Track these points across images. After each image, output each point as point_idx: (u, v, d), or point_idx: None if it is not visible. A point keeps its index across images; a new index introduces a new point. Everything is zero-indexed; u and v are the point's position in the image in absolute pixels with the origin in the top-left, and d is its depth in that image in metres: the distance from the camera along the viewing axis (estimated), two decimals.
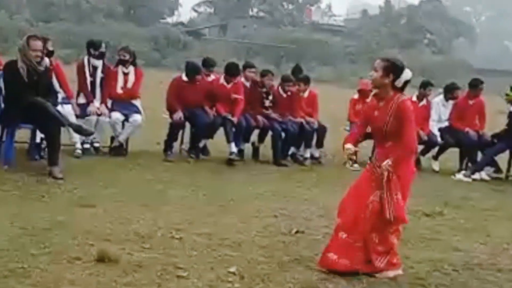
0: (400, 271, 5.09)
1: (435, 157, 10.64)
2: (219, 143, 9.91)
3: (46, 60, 7.94)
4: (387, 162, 4.83)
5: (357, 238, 4.96)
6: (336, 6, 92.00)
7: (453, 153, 10.81)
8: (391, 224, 4.95)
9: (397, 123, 4.84)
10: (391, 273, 5.04)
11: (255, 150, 10.17)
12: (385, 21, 52.74)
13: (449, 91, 10.60)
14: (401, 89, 4.96)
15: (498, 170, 10.31)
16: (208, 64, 10.05)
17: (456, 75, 34.31)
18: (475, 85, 10.55)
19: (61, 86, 8.71)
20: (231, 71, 9.79)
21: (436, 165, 10.59)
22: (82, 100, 9.00)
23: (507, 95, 10.23)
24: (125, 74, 9.28)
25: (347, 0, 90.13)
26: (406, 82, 4.97)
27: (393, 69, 4.92)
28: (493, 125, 10.83)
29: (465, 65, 46.75)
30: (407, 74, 4.95)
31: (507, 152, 10.24)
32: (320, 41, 46.47)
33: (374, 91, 5.05)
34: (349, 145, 5.15)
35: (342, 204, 5.11)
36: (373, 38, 49.53)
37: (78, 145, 8.74)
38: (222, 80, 9.75)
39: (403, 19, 55.48)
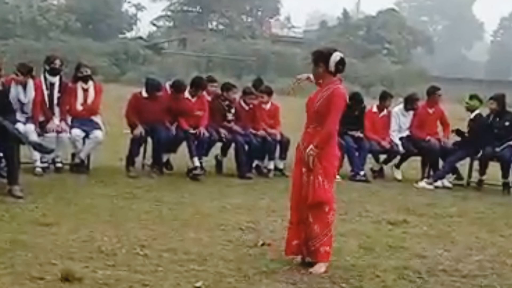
0: (327, 263, 5.30)
1: (397, 166, 10.74)
2: (182, 157, 9.85)
3: (2, 78, 7.84)
4: (310, 148, 5.14)
5: (300, 218, 5.33)
6: (295, 18, 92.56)
7: (415, 161, 10.93)
8: (317, 206, 5.22)
9: (325, 106, 5.16)
10: (322, 267, 5.25)
11: (219, 164, 10.14)
12: (343, 32, 53.21)
13: (409, 102, 10.72)
14: (337, 72, 5.24)
15: (459, 177, 10.44)
16: (178, 88, 9.70)
17: (415, 83, 34.77)
18: (432, 92, 10.73)
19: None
20: (198, 85, 9.75)
21: (398, 174, 10.68)
22: (40, 118, 8.86)
23: (466, 103, 10.37)
24: (85, 90, 9.16)
25: (306, 12, 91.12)
26: (339, 64, 5.22)
27: (321, 57, 5.23)
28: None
29: (423, 73, 47.34)
30: (335, 57, 5.19)
31: (468, 159, 10.38)
32: (280, 52, 46.67)
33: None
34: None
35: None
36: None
37: (38, 163, 8.59)
38: (187, 94, 9.71)
39: (362, 30, 56.09)
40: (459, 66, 72.63)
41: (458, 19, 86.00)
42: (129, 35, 55.82)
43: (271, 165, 10.07)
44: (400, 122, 10.66)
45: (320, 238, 5.25)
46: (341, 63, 5.24)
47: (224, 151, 10.13)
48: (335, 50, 5.28)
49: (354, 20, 59.05)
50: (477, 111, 10.29)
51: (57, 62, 9.02)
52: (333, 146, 5.32)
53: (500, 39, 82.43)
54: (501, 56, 76.18)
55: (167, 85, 9.86)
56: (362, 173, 10.15)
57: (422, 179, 10.28)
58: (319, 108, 5.20)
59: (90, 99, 9.17)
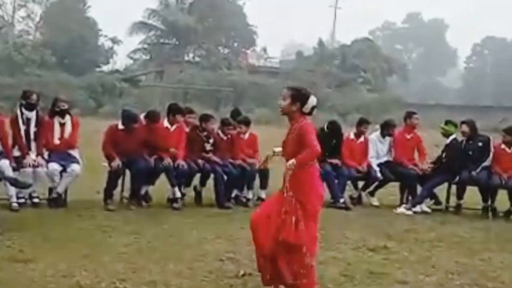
0: None
1: (371, 193, 10.80)
2: (161, 188, 9.80)
3: None
4: (291, 162, 5.11)
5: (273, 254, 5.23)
6: (271, 49, 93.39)
7: (394, 187, 10.98)
8: (291, 248, 5.13)
9: (297, 143, 5.18)
10: None
11: (198, 194, 10.11)
12: (319, 61, 53.51)
13: (386, 128, 10.83)
14: (309, 114, 5.29)
15: (437, 202, 10.50)
16: (153, 117, 9.78)
17: (391, 111, 35.06)
18: (409, 117, 10.84)
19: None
20: (175, 111, 9.77)
21: (374, 201, 10.72)
22: (16, 152, 8.79)
23: (442, 128, 10.48)
24: (62, 125, 9.12)
25: (282, 42, 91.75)
26: (313, 108, 5.30)
27: (300, 97, 5.26)
28: (430, 158, 11.04)
29: (399, 101, 47.71)
30: (312, 100, 5.27)
31: (446, 184, 10.45)
32: (257, 83, 46.84)
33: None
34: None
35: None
36: (309, 78, 50.17)
37: (14, 198, 8.49)
38: (166, 123, 9.70)
39: (337, 59, 56.50)
40: (433, 93, 73.46)
41: (432, 47, 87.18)
42: (105, 68, 55.75)
43: (250, 195, 10.07)
44: (377, 149, 10.74)
45: (298, 276, 5.17)
46: (315, 107, 5.33)
47: (203, 181, 10.11)
48: (310, 94, 5.31)
49: (330, 50, 59.52)
50: (452, 136, 10.40)
51: (34, 97, 8.97)
52: (317, 186, 5.31)
53: (473, 65, 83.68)
54: (474, 82, 77.28)
55: (142, 116, 9.85)
56: (341, 200, 10.17)
57: (400, 205, 10.32)
58: (291, 147, 5.24)
59: (67, 133, 9.12)
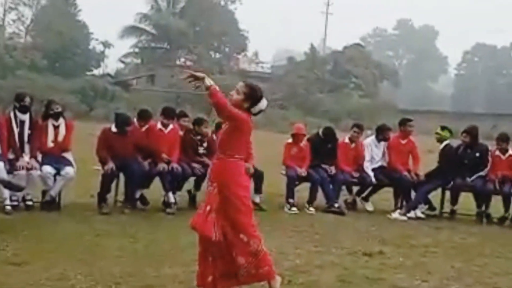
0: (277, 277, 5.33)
1: (365, 199, 10.80)
2: (155, 191, 9.76)
3: None
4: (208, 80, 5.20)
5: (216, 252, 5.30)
6: (263, 54, 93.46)
7: (388, 192, 10.97)
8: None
9: (227, 133, 5.25)
10: (277, 282, 5.33)
11: (192, 198, 10.06)
12: (311, 67, 53.64)
13: (381, 132, 10.83)
14: (254, 115, 5.30)
15: (432, 207, 10.50)
16: (144, 116, 9.84)
17: (383, 116, 35.14)
18: (404, 124, 10.85)
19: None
20: (169, 113, 9.78)
21: (368, 206, 10.73)
22: (10, 155, 8.72)
23: (437, 133, 10.49)
24: (56, 127, 9.06)
25: (273, 47, 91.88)
26: (260, 111, 5.30)
27: (254, 96, 5.25)
28: (423, 164, 11.05)
29: (390, 106, 47.97)
30: (263, 104, 5.27)
31: (440, 189, 10.46)
32: None
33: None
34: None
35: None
36: (301, 84, 50.33)
37: (8, 201, 8.42)
38: (159, 125, 9.68)
39: (329, 65, 56.67)
40: (425, 99, 73.82)
41: (423, 53, 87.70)
42: (96, 72, 55.75)
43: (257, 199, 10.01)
44: (372, 153, 10.74)
45: (249, 267, 5.20)
46: (262, 111, 5.33)
47: (197, 185, 10.06)
48: (263, 97, 5.30)
49: (321, 55, 59.68)
50: (446, 142, 10.42)
51: (27, 99, 8.91)
52: (241, 179, 5.33)
53: (464, 72, 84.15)
54: (465, 88, 77.70)
55: (135, 119, 9.80)
56: (336, 205, 10.16)
57: (395, 210, 10.32)
58: (222, 136, 5.32)
59: (61, 136, 9.06)
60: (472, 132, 10.38)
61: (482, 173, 10.12)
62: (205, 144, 9.99)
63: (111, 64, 60.32)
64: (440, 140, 10.45)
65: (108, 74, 53.20)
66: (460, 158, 10.28)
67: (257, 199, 10.04)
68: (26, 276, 5.60)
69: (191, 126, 10.10)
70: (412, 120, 11.00)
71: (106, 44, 56.71)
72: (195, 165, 9.72)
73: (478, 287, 6.21)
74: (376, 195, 10.97)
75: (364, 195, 10.83)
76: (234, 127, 5.21)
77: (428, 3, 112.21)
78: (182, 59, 58.47)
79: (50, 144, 9.00)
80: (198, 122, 10.12)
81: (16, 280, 5.46)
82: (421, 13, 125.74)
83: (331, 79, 53.38)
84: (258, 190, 10.10)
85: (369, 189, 10.81)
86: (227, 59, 60.37)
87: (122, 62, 59.97)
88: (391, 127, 11.15)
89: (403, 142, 10.79)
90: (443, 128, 10.49)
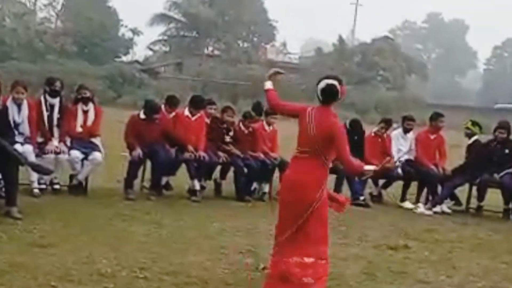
0: None
1: (402, 198, 10.59)
2: (181, 178, 9.80)
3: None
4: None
5: None
6: (291, 44, 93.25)
7: (412, 186, 10.81)
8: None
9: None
10: None
11: (218, 186, 10.09)
12: (339, 58, 53.35)
13: (405, 122, 10.74)
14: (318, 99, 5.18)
15: (458, 203, 10.41)
16: (172, 102, 9.86)
17: (409, 110, 34.81)
18: (435, 119, 10.74)
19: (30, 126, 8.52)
20: (197, 103, 9.77)
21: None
22: (39, 139, 8.80)
23: (467, 128, 10.37)
24: (85, 112, 9.12)
25: (301, 38, 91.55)
26: (322, 91, 5.16)
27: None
28: (449, 159, 10.95)
29: (418, 100, 47.59)
30: (320, 84, 5.17)
31: (467, 185, 10.37)
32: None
33: None
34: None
35: None
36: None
37: (36, 184, 8.51)
38: (186, 112, 9.70)
39: (357, 57, 56.34)
40: (452, 93, 73.05)
41: (452, 48, 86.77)
42: (125, 58, 55.95)
43: (266, 188, 10.01)
44: (399, 145, 10.65)
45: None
46: (324, 91, 5.21)
47: (223, 174, 10.09)
48: (324, 79, 5.28)
49: (349, 47, 59.31)
50: (475, 137, 10.32)
51: (57, 84, 8.97)
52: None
53: (493, 68, 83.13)
54: (493, 84, 76.74)
55: (163, 106, 9.82)
56: (362, 197, 10.12)
57: (416, 202, 10.26)
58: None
59: (90, 121, 9.11)
60: (508, 128, 10.23)
61: (510, 170, 9.99)
62: (231, 133, 9.99)
63: (140, 52, 60.45)
64: (468, 135, 10.34)
65: (137, 61, 53.38)
66: (489, 154, 10.16)
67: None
68: (52, 259, 5.66)
69: (218, 115, 10.11)
70: (443, 115, 10.85)
71: (135, 31, 56.90)
72: (221, 153, 9.74)
73: (505, 284, 6.16)
74: (393, 189, 10.88)
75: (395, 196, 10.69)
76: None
77: None
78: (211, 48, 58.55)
79: (79, 128, 9.06)
80: (223, 110, 10.14)
81: (43, 262, 5.52)
82: (452, 7, 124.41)
83: (359, 71, 53.02)
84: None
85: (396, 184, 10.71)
86: (255, 49, 60.21)
87: (151, 49, 60.12)
88: (414, 118, 11.04)
89: (432, 137, 10.68)
90: (474, 123, 10.38)
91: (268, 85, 5.52)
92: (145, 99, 10.58)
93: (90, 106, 9.21)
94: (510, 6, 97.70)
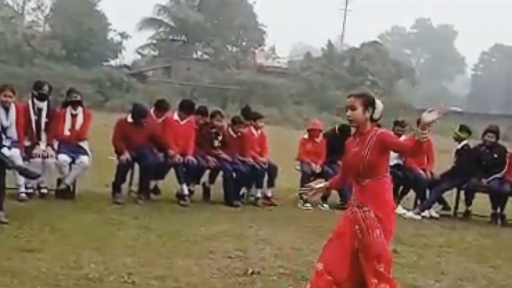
0: None
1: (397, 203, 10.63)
2: (169, 182, 9.76)
3: None
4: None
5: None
6: (280, 49, 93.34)
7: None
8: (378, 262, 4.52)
9: (377, 155, 4.60)
10: None
11: (206, 191, 10.07)
12: (328, 63, 53.43)
13: (395, 127, 10.68)
14: (377, 121, 4.73)
15: (446, 207, 10.44)
16: (161, 107, 9.78)
17: (398, 115, 34.96)
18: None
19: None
20: (187, 108, 9.76)
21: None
22: (26, 142, 8.75)
23: (455, 133, 10.40)
24: (74, 116, 9.08)
25: (290, 43, 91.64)
26: (381, 113, 4.75)
27: (370, 102, 4.66)
28: (437, 164, 10.96)
29: (406, 105, 47.72)
30: (379, 105, 4.70)
31: (455, 190, 10.40)
32: (264, 83, 46.70)
33: (354, 128, 4.77)
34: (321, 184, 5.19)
35: (327, 252, 4.78)
36: (317, 80, 50.17)
37: (23, 189, 8.46)
38: (176, 117, 9.67)
39: (346, 61, 56.42)
40: (440, 99, 73.10)
41: (440, 53, 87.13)
42: (113, 62, 55.79)
43: (259, 193, 10.01)
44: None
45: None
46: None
47: (211, 178, 10.07)
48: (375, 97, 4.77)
49: (338, 52, 59.44)
50: (464, 142, 10.35)
51: (45, 87, 8.95)
52: (392, 200, 4.78)
53: (481, 73, 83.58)
54: (481, 89, 77.17)
55: (152, 111, 9.78)
56: None
57: (397, 206, 10.25)
58: (369, 161, 4.58)
59: (78, 125, 9.07)
60: (497, 132, 10.27)
61: (498, 175, 10.03)
62: (220, 138, 9.98)
63: (128, 56, 60.24)
64: (457, 140, 10.37)
65: (125, 65, 53.27)
66: (479, 158, 10.20)
67: (269, 193, 10.05)
68: (39, 264, 5.62)
69: (207, 120, 10.08)
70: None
71: (124, 35, 56.77)
72: (209, 158, 9.71)
73: None
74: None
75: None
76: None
77: (448, 3, 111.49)
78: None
79: (67, 132, 9.02)
80: (212, 115, 10.12)
81: (30, 267, 5.47)
82: (441, 13, 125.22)
83: (348, 76, 53.10)
84: (271, 184, 10.10)
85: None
86: (244, 53, 60.21)
87: (139, 53, 59.98)
88: (406, 123, 11.00)
89: None
90: (462, 127, 10.41)
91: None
92: (134, 103, 10.52)
93: (79, 110, 9.16)
94: (498, 12, 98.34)
